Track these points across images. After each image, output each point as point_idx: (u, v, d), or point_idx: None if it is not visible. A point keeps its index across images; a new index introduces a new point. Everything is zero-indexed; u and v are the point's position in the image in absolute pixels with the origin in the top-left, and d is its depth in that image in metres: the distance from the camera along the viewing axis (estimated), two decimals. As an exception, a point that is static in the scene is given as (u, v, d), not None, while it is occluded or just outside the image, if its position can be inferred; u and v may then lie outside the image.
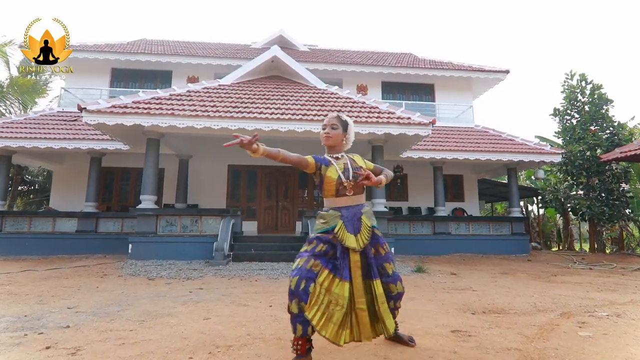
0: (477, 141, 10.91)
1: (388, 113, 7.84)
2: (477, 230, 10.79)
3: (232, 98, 8.00)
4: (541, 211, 17.75)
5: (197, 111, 7.20)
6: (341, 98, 8.58)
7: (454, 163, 10.85)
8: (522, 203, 18.16)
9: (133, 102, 7.25)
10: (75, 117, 9.98)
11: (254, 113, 7.28)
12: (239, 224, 8.05)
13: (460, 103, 13.09)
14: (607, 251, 12.71)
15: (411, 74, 12.84)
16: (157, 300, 3.72)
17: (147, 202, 7.48)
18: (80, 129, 9.38)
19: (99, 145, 9.11)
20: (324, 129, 2.23)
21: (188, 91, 8.15)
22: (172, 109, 7.20)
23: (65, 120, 9.95)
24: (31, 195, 18.53)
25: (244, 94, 8.29)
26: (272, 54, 9.22)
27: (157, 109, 7.12)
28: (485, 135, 11.45)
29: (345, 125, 2.25)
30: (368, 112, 7.81)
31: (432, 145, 10.24)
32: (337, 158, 2.21)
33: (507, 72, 13.15)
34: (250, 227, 10.51)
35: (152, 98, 7.53)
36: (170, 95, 7.83)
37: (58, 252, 8.78)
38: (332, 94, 8.83)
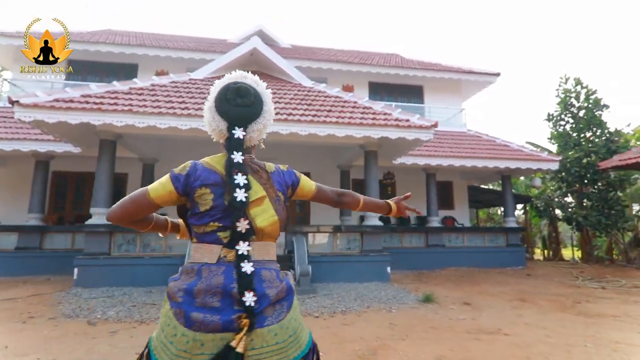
0: (471, 147, 10.23)
1: (384, 114, 6.93)
2: (471, 242, 10.10)
3: (204, 94, 6.86)
4: (521, 218, 17.42)
5: (162, 108, 6.03)
6: (330, 97, 7.61)
7: (445, 169, 10.11)
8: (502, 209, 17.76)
9: (82, 95, 5.99)
10: (17, 113, 8.50)
11: (230, 111, 6.17)
12: (212, 240, 6.89)
13: (449, 106, 12.44)
14: (596, 254, 12.25)
15: (400, 74, 12.05)
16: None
17: (99, 216, 6.21)
18: (22, 128, 7.94)
19: (44, 146, 7.72)
20: None
21: (152, 85, 6.95)
22: (131, 105, 5.99)
23: (5, 117, 8.46)
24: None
25: (219, 90, 7.16)
26: (251, 45, 8.15)
27: (112, 105, 5.89)
28: (479, 141, 10.79)
29: None
30: (362, 113, 6.87)
31: (426, 150, 9.44)
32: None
33: (498, 74, 12.63)
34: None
35: (106, 92, 6.29)
36: (130, 89, 6.61)
37: (-6, 273, 7.32)
38: (319, 92, 7.86)
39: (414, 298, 5.28)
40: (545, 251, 16.27)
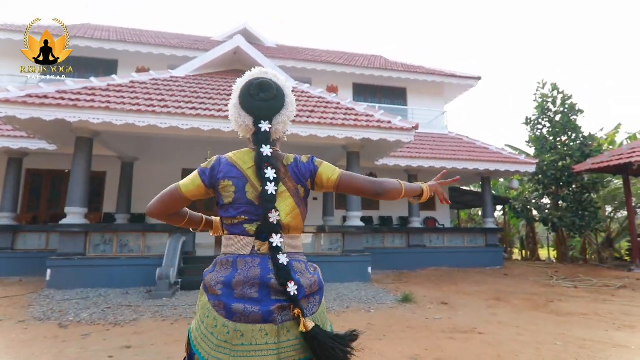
0: (452, 149, 10.41)
1: (366, 116, 6.98)
2: (452, 243, 10.27)
3: (185, 92, 6.76)
4: (501, 219, 17.84)
5: (140, 106, 5.91)
6: (313, 97, 7.62)
7: (427, 171, 10.27)
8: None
9: (57, 91, 5.82)
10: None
11: (210, 110, 6.11)
12: (191, 241, 6.81)
13: (432, 108, 12.64)
14: (571, 255, 12.64)
15: (384, 76, 12.16)
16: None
17: (74, 215, 6.04)
18: (-6, 124, 7.66)
19: (17, 143, 7.46)
20: None
21: (131, 82, 6.81)
22: (108, 102, 5.86)
23: (-25, 112, 8.12)
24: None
25: (200, 88, 7.08)
26: (234, 44, 8.07)
27: (88, 101, 5.75)
28: (460, 143, 10.99)
29: None
30: (344, 114, 6.91)
31: (408, 152, 9.57)
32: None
33: (479, 78, 12.90)
34: (207, 240, 9.19)
35: (83, 88, 6.13)
36: (108, 85, 6.46)
37: (-38, 275, 7.03)
38: (302, 92, 7.85)
39: (393, 298, 5.34)
40: (523, 251, 16.70)
